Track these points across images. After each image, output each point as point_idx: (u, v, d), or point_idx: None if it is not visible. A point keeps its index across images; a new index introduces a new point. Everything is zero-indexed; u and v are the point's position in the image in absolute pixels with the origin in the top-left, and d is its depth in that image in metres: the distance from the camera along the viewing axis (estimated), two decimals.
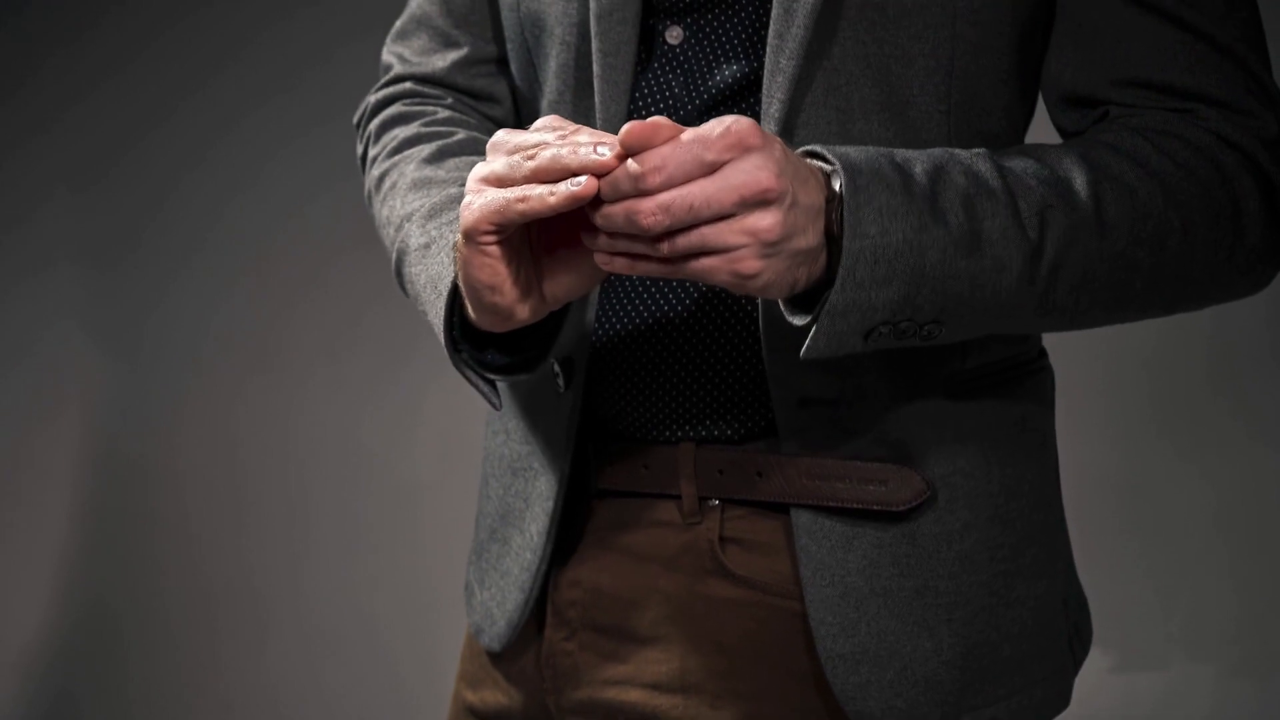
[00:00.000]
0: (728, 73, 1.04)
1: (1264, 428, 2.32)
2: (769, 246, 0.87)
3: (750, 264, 0.87)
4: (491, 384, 1.01)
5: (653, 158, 0.85)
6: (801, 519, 1.05)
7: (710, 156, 0.85)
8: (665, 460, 1.08)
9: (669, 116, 1.05)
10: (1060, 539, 1.14)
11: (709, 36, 1.05)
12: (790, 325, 0.95)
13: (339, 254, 2.68)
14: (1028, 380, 1.11)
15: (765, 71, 1.01)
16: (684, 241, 0.86)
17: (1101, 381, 2.32)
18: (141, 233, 2.82)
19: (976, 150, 0.97)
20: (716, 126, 0.86)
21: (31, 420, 2.85)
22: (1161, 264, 0.97)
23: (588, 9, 1.06)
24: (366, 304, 2.68)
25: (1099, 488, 2.30)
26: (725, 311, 1.06)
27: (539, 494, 1.13)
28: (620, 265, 0.89)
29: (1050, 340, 1.18)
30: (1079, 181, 0.95)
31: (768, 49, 1.00)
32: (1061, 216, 0.94)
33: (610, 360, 1.09)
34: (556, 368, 1.10)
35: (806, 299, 0.93)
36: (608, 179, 0.86)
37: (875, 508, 1.04)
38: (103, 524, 2.84)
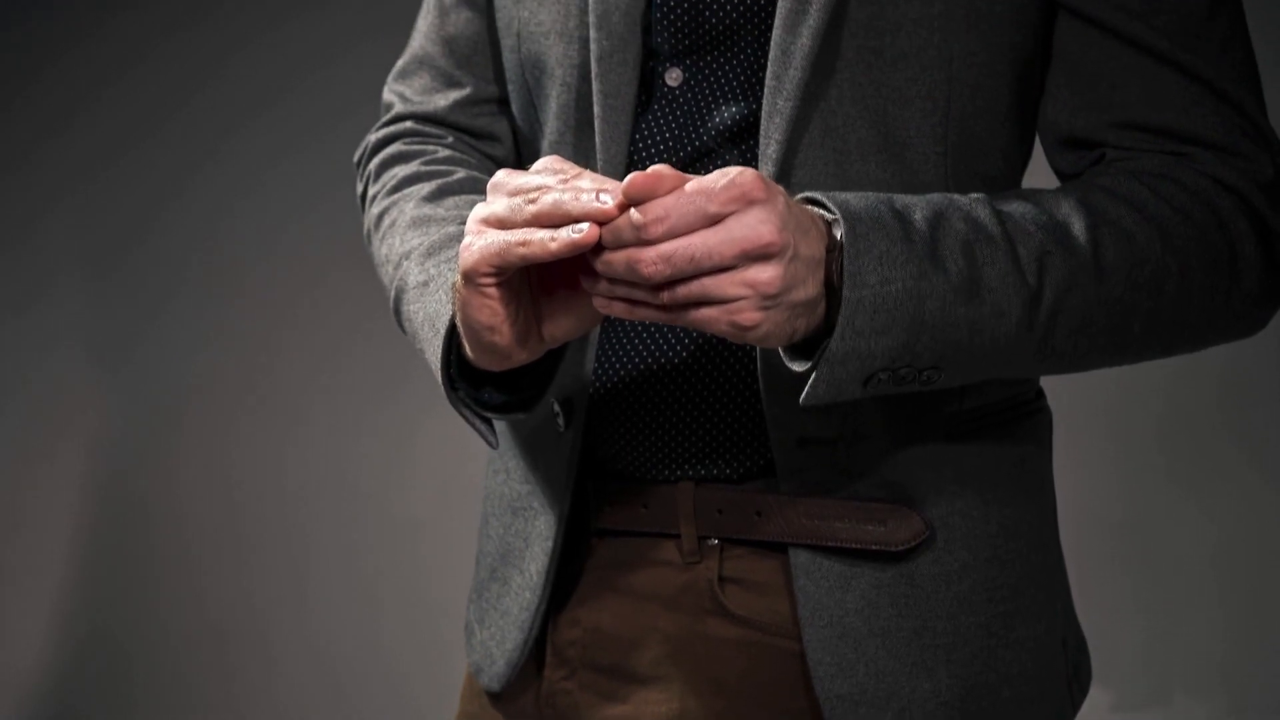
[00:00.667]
0: (726, 114, 1.05)
1: (1265, 466, 2.32)
2: (768, 299, 0.87)
3: (749, 316, 0.87)
4: (488, 422, 1.01)
5: (656, 208, 0.85)
6: (800, 559, 1.05)
7: (713, 209, 0.85)
8: (665, 500, 1.08)
9: (669, 158, 1.05)
10: (1059, 579, 1.14)
11: (708, 79, 1.06)
12: (789, 369, 0.95)
13: (337, 290, 2.69)
14: (1026, 422, 1.12)
15: (763, 113, 1.01)
16: (684, 291, 0.87)
17: (1099, 419, 2.32)
18: (136, 262, 2.83)
19: (975, 195, 0.97)
20: (720, 178, 0.86)
21: (29, 455, 2.85)
22: (1159, 308, 0.98)
23: (588, 51, 1.07)
24: (364, 339, 2.68)
25: (1098, 526, 2.30)
26: (724, 352, 1.06)
27: (539, 533, 1.13)
28: (619, 309, 0.89)
29: (1049, 377, 1.18)
30: (1077, 227, 0.96)
31: (765, 91, 1.01)
32: (1060, 262, 0.94)
33: (610, 400, 1.09)
34: (557, 407, 1.10)
35: (806, 346, 0.94)
36: (610, 227, 0.86)
37: (874, 548, 1.04)
38: (102, 561, 2.83)
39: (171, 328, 2.81)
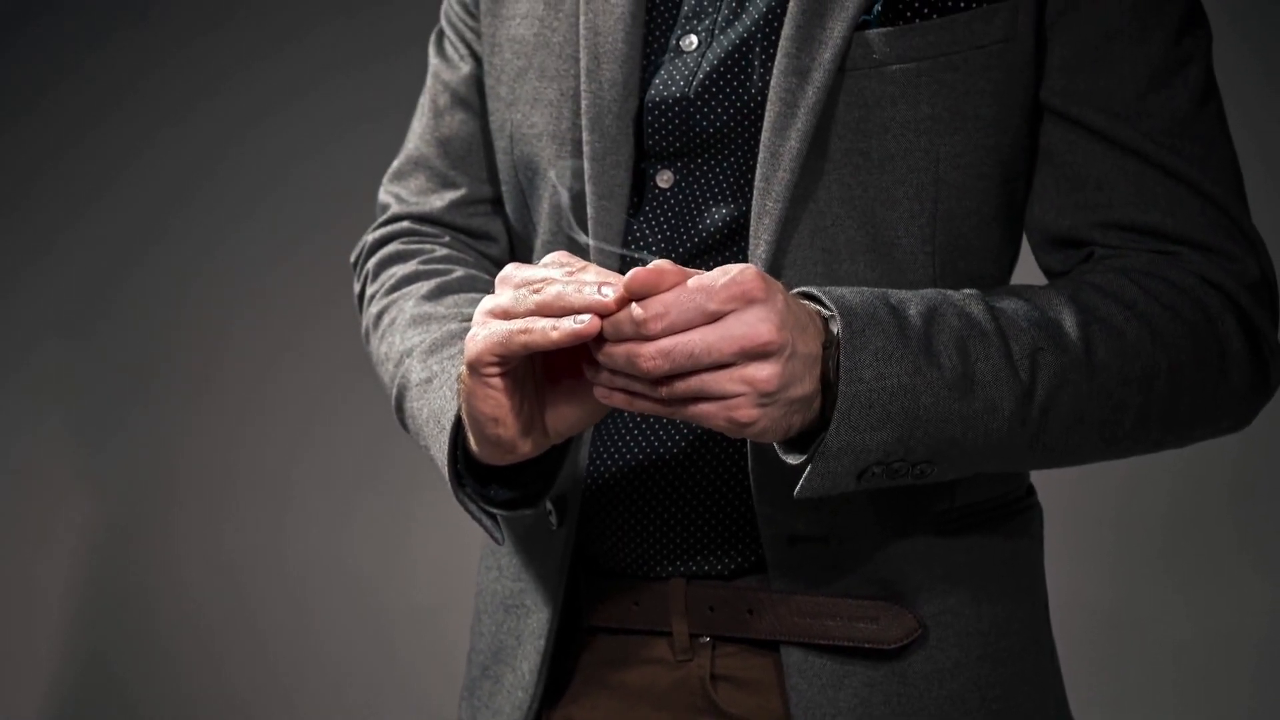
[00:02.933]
0: (716, 216, 1.06)
1: (1264, 562, 2.31)
2: (766, 396, 0.88)
3: (747, 412, 0.88)
4: (493, 518, 1.01)
5: (656, 304, 0.86)
6: (792, 657, 1.05)
7: (713, 306, 0.86)
8: (656, 597, 1.08)
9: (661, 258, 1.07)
10: (1052, 676, 1.14)
11: (698, 180, 1.07)
12: (780, 463, 0.96)
13: (337, 385, 2.69)
14: (1017, 518, 1.12)
15: (752, 214, 1.03)
16: (682, 386, 0.87)
17: (1095, 512, 2.32)
18: (140, 366, 2.83)
19: (968, 291, 0.98)
20: (721, 276, 0.87)
21: (25, 549, 2.84)
22: (1149, 404, 0.99)
23: (581, 153, 1.09)
24: (360, 435, 2.69)
25: (1093, 621, 2.29)
26: (715, 449, 1.07)
27: (531, 631, 1.13)
28: (619, 400, 0.90)
29: (1044, 471, 1.18)
30: (1068, 323, 0.97)
31: (754, 192, 1.02)
32: (1052, 358, 0.95)
33: (602, 498, 1.09)
34: (550, 505, 1.10)
35: (800, 439, 0.94)
36: (611, 321, 0.87)
37: (866, 646, 1.04)
38: (103, 661, 2.81)
39: (159, 409, 2.82)
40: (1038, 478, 1.18)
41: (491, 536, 1.01)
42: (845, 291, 0.94)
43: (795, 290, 0.95)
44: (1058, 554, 1.18)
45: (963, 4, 1.01)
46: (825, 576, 1.05)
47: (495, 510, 1.02)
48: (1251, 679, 2.30)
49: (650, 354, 0.86)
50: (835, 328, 0.92)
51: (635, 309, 0.86)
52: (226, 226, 2.79)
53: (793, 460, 0.94)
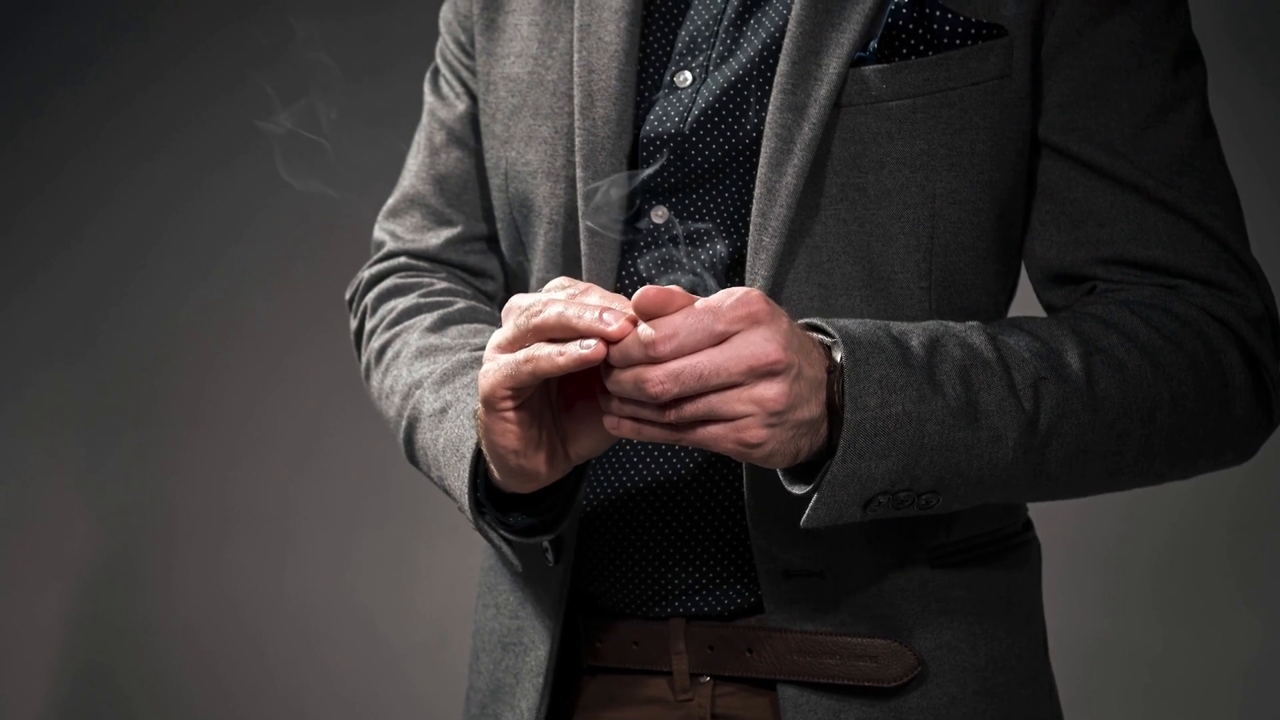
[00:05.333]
0: (712, 252, 1.06)
1: (1259, 596, 2.32)
2: (774, 416, 0.88)
3: (755, 433, 0.88)
4: (510, 545, 1.01)
5: (665, 326, 0.86)
6: (788, 694, 1.04)
7: (720, 327, 0.87)
8: (656, 636, 1.08)
9: None
10: (1050, 711, 1.13)
11: (693, 216, 1.07)
12: (776, 496, 0.96)
13: (337, 419, 2.68)
14: (1014, 553, 1.12)
15: (749, 249, 1.02)
16: (691, 409, 0.87)
17: (1093, 547, 2.32)
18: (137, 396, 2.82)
19: (969, 323, 0.98)
20: (727, 298, 0.87)
21: (22, 586, 2.82)
22: (1152, 435, 0.99)
23: (575, 190, 1.08)
24: (359, 465, 2.68)
25: (1091, 656, 2.29)
26: (711, 486, 1.06)
27: (530, 669, 1.12)
28: (628, 429, 0.90)
29: (1043, 505, 1.18)
30: (1070, 355, 0.97)
31: (751, 227, 1.02)
32: (1054, 388, 0.95)
33: (598, 536, 1.09)
34: (546, 543, 1.10)
35: (806, 469, 0.94)
36: (619, 347, 0.87)
37: (866, 684, 1.04)
38: (106, 694, 2.79)
39: (156, 440, 2.80)
40: (1036, 513, 1.18)
41: (510, 564, 1.02)
42: (847, 321, 0.94)
43: (800, 321, 0.95)
44: (1056, 589, 1.18)
45: (958, 41, 1.01)
46: (822, 612, 1.05)
47: (515, 538, 1.02)
48: (1246, 714, 2.30)
49: (659, 377, 0.86)
50: (838, 354, 0.92)
51: (644, 330, 0.86)
52: (219, 255, 2.77)
53: (798, 490, 0.94)
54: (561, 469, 0.96)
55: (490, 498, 1.01)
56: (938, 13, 1.01)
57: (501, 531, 1.01)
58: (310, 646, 2.73)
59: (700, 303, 0.87)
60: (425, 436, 1.07)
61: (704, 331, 0.86)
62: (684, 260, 1.07)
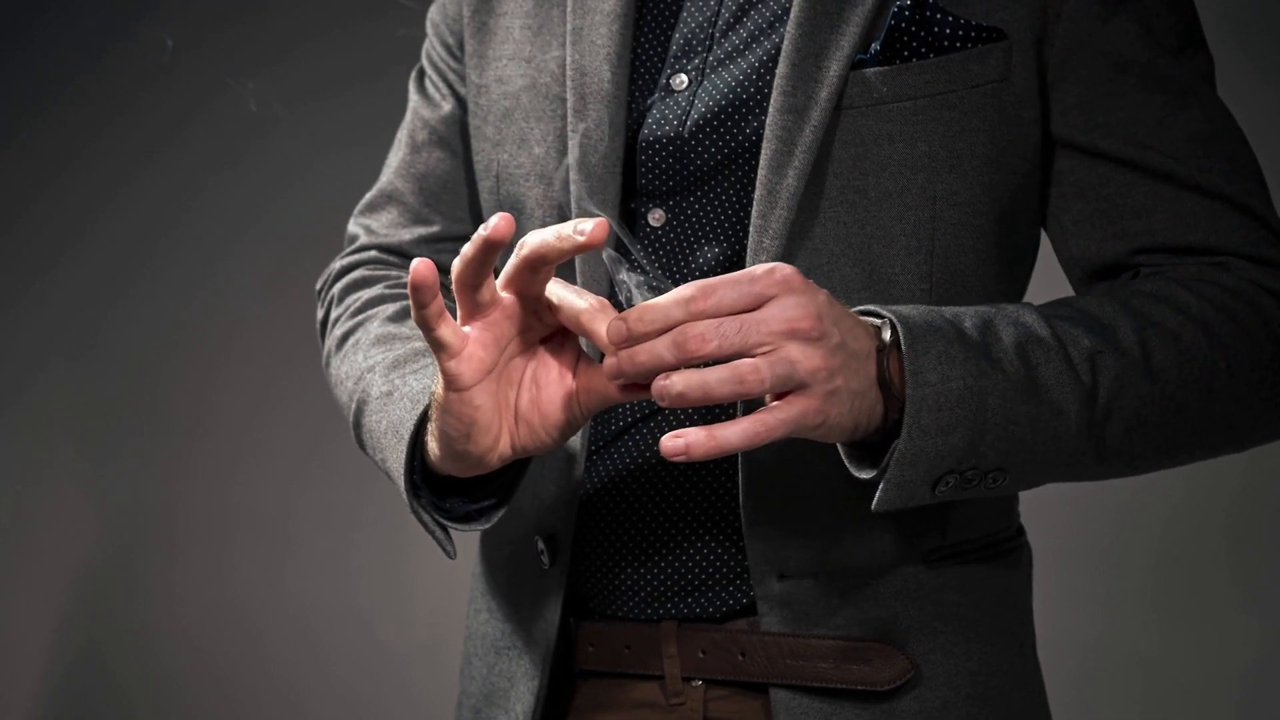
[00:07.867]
0: (710, 254, 1.06)
1: (1253, 598, 2.31)
2: (819, 380, 0.87)
3: (810, 403, 0.87)
4: (445, 531, 1.01)
5: (704, 285, 0.86)
6: (780, 698, 1.04)
7: (758, 289, 0.87)
8: (648, 640, 1.08)
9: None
10: (1041, 716, 1.13)
11: (691, 219, 1.07)
12: (772, 497, 0.96)
13: (338, 424, 2.67)
14: (1006, 558, 1.11)
15: (748, 252, 1.02)
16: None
17: (1084, 551, 2.32)
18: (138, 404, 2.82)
19: (1020, 303, 0.99)
20: (760, 267, 0.88)
21: (27, 592, 2.82)
22: (1209, 406, 0.99)
23: (567, 193, 1.08)
24: (360, 473, 2.66)
25: (1081, 659, 2.28)
26: (706, 489, 1.06)
27: (524, 673, 1.12)
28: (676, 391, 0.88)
29: (1036, 508, 1.18)
30: (1124, 329, 0.97)
31: (751, 230, 1.02)
32: (1112, 361, 0.95)
33: (593, 538, 1.09)
34: (541, 545, 1.09)
35: (870, 455, 0.94)
36: (658, 309, 0.86)
37: (859, 688, 1.03)
38: (107, 698, 2.79)
39: (157, 444, 2.81)
40: (1029, 515, 1.18)
41: (444, 549, 1.00)
42: (899, 306, 0.94)
43: (855, 309, 0.94)
44: (1051, 591, 1.17)
45: (958, 44, 1.01)
46: (815, 614, 1.04)
47: (451, 525, 1.01)
48: (1244, 717, 2.30)
49: (700, 330, 0.85)
50: (887, 334, 0.92)
51: (684, 289, 0.86)
52: (221, 259, 2.77)
53: (865, 475, 0.94)
54: (504, 459, 0.95)
55: (428, 482, 1.00)
56: (938, 15, 1.01)
57: (436, 515, 1.00)
58: (310, 648, 2.73)
59: (737, 273, 0.88)
60: (371, 419, 1.06)
61: (742, 292, 0.87)
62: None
